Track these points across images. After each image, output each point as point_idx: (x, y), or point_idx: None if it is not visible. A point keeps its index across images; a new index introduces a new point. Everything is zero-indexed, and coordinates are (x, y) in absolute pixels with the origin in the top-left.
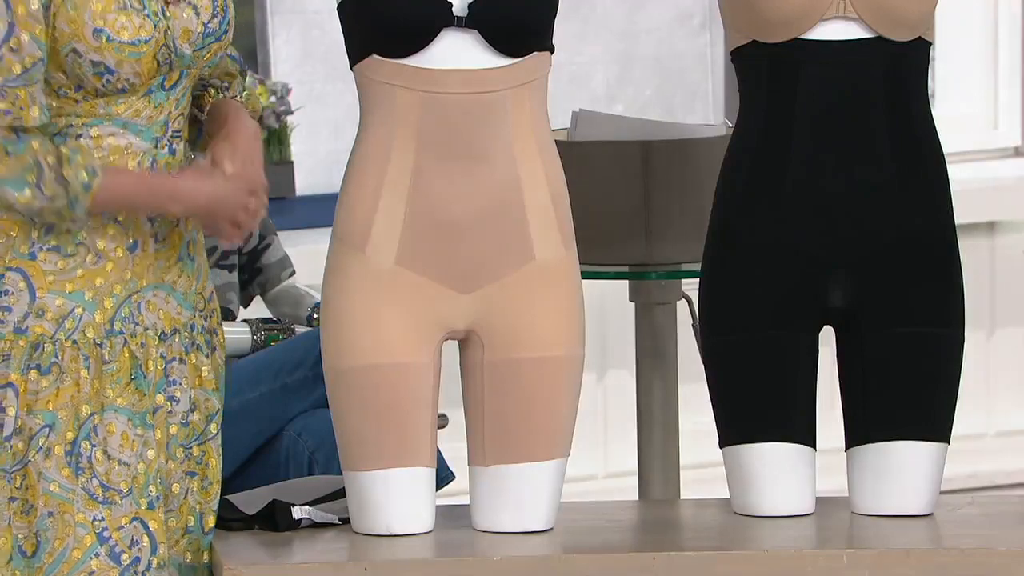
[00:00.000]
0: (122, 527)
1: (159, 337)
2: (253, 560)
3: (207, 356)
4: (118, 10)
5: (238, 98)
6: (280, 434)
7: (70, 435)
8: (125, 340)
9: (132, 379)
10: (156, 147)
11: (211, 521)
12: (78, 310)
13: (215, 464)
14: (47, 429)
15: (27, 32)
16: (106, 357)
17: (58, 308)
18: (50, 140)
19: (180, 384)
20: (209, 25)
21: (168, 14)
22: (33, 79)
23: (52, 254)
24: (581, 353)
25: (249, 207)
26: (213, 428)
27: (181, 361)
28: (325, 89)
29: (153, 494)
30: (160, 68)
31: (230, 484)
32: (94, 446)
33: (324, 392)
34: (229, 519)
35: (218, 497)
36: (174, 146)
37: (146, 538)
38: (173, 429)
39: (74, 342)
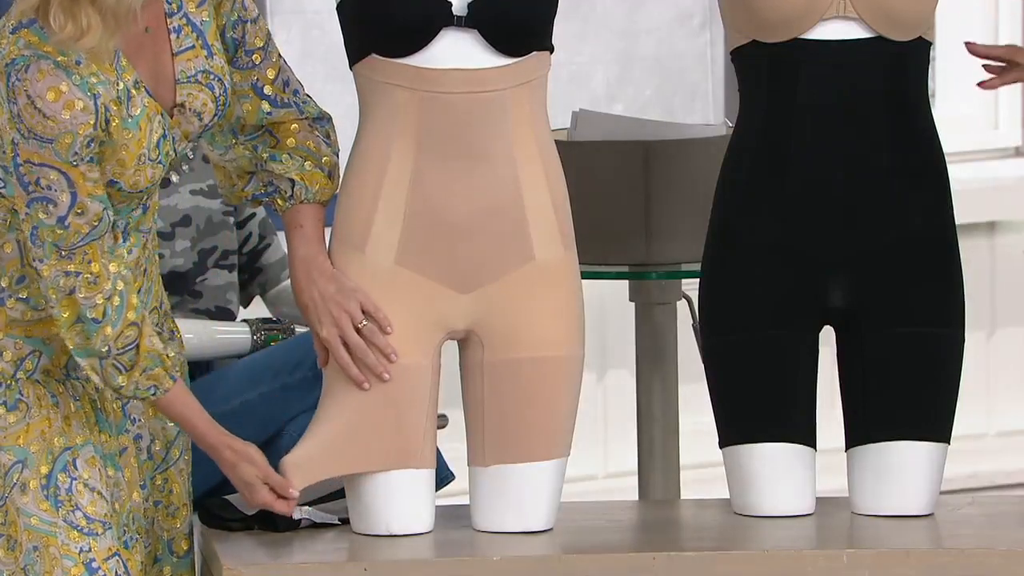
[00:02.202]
0: (108, 559)
1: None
2: (253, 560)
3: None
4: (138, 166)
5: (303, 197)
6: (280, 434)
7: (44, 468)
8: (83, 385)
9: (96, 422)
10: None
11: (184, 545)
12: (36, 353)
13: (179, 489)
14: (19, 464)
15: (88, 195)
16: (73, 395)
17: (17, 348)
18: (130, 325)
19: (139, 421)
20: (208, 122)
21: (172, 124)
22: (100, 233)
23: (21, 304)
24: (581, 353)
25: (251, 494)
26: (175, 453)
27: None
28: (325, 89)
29: (128, 534)
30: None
31: (230, 484)
32: (73, 479)
33: None
34: (229, 519)
35: (187, 522)
36: (147, 204)
37: None
38: (141, 466)
39: (37, 382)
